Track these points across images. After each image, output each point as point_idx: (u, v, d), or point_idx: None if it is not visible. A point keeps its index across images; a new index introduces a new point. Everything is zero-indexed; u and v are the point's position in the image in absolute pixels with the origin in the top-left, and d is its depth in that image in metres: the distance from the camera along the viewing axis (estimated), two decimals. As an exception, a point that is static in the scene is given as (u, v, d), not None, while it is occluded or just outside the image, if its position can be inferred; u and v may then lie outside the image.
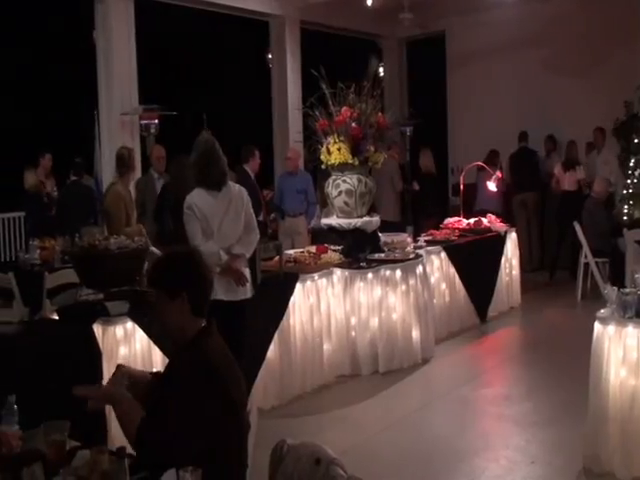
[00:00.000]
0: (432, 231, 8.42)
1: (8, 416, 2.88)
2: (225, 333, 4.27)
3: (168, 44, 13.73)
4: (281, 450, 2.47)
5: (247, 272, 4.93)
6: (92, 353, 4.40)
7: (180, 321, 2.75)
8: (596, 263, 8.59)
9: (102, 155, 9.08)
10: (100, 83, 8.96)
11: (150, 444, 2.52)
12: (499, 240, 8.66)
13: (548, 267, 10.58)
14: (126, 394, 2.73)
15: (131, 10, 8.95)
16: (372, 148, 6.88)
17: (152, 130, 8.67)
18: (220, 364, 2.68)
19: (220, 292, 4.67)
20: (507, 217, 9.75)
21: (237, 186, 5.06)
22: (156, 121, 8.69)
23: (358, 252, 6.77)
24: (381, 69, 12.32)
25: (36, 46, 14.08)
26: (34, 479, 2.23)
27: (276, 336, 5.62)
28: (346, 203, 6.92)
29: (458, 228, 8.55)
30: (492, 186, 9.69)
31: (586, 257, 8.78)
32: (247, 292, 4.91)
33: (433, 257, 7.54)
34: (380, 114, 6.99)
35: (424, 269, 6.93)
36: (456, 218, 8.92)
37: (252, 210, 5.05)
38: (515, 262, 8.94)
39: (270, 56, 11.68)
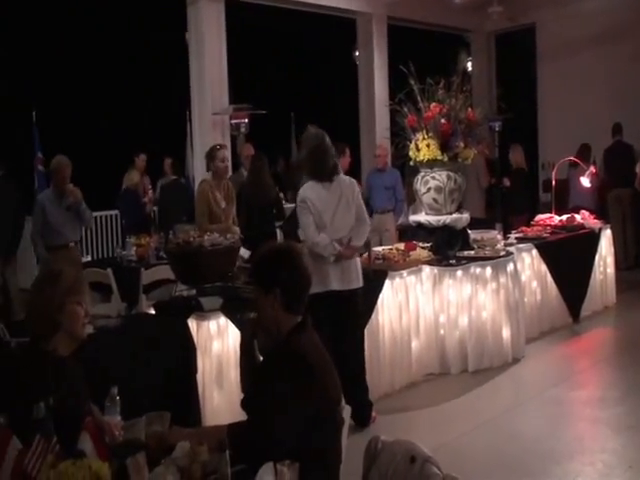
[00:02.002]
0: (523, 228, 8.25)
1: (111, 407, 2.98)
2: (340, 321, 4.42)
3: (257, 43, 13.92)
4: (375, 447, 2.48)
5: (359, 262, 5.16)
6: (187, 347, 4.52)
7: (274, 316, 2.77)
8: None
9: (194, 154, 9.31)
10: (192, 84, 9.19)
11: (246, 439, 2.56)
12: (593, 237, 8.40)
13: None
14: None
15: (222, 12, 9.14)
16: (462, 144, 6.79)
17: (242, 129, 8.84)
18: (314, 360, 2.69)
19: (335, 283, 4.93)
20: (601, 213, 9.45)
21: (348, 178, 5.24)
22: (246, 120, 8.86)
23: (447, 249, 6.70)
24: (469, 64, 12.14)
25: (130, 49, 14.53)
26: (138, 468, 2.30)
27: (365, 333, 5.61)
28: (435, 200, 6.84)
29: (550, 225, 8.35)
30: (586, 182, 9.42)
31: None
32: (359, 281, 5.10)
33: (524, 254, 7.38)
34: (470, 110, 6.90)
35: (515, 267, 6.80)
36: (548, 215, 8.71)
37: (362, 201, 5.21)
38: (610, 260, 8.66)
39: (357, 53, 11.69)
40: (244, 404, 2.85)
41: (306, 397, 2.60)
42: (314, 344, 2.80)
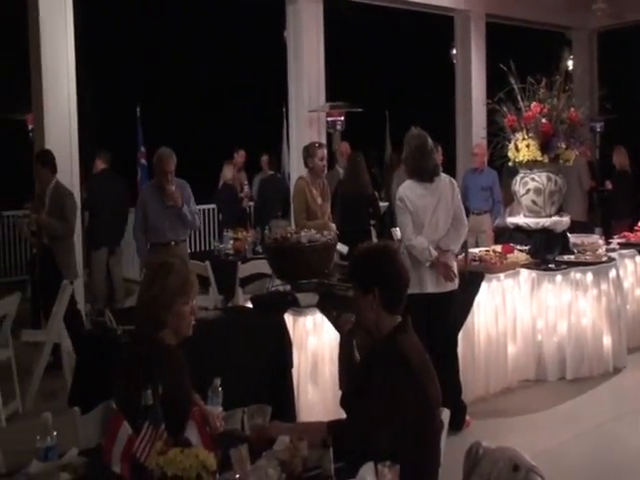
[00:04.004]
0: (625, 233, 7.94)
1: (213, 397, 3.05)
2: (436, 323, 4.36)
3: (353, 41, 13.94)
4: (476, 452, 2.43)
5: (455, 266, 5.06)
6: (283, 342, 4.56)
7: (373, 316, 2.77)
8: None
9: (290, 151, 9.38)
10: (290, 81, 9.27)
11: (345, 438, 2.54)
12: (702, 244, 8.00)
13: None
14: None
15: (320, 10, 9.17)
16: (563, 145, 6.61)
17: (338, 127, 8.87)
18: (415, 362, 2.67)
19: (430, 285, 4.90)
20: None
21: (448, 177, 5.18)
22: (342, 118, 8.88)
23: (546, 253, 6.53)
24: (570, 62, 11.77)
25: (230, 48, 14.82)
26: (241, 460, 2.33)
27: (460, 335, 5.53)
28: (534, 202, 6.68)
29: (655, 230, 8.01)
30: (695, 186, 9.00)
31: None
32: (455, 283, 5.04)
33: (627, 261, 7.12)
34: (572, 110, 6.70)
35: (617, 273, 6.57)
36: (653, 220, 8.36)
37: (461, 202, 5.14)
38: None
39: (454, 51, 11.53)
40: (343, 402, 2.85)
41: (407, 399, 2.58)
42: (415, 345, 2.77)
